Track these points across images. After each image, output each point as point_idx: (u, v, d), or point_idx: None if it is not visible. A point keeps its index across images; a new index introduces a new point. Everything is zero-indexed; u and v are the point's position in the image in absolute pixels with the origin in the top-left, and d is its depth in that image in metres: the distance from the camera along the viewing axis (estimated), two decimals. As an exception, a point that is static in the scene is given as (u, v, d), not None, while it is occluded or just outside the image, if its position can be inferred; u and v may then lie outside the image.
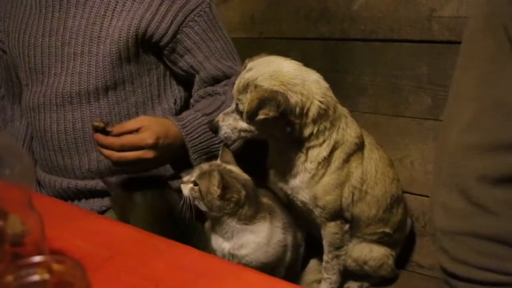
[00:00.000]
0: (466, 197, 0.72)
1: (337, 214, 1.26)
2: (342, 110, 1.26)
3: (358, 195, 1.27)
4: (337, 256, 1.32)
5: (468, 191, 0.71)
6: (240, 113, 1.17)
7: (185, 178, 1.18)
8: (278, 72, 1.15)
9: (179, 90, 1.46)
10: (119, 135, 1.18)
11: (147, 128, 1.19)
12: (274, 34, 1.65)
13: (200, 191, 1.15)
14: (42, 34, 1.37)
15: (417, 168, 1.49)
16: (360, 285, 1.44)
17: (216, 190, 1.14)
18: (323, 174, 1.22)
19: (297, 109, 1.14)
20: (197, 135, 1.27)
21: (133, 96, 1.37)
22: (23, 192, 0.56)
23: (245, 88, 1.15)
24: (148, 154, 1.18)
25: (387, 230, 1.36)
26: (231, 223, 1.18)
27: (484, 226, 0.70)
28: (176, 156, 1.27)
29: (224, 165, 1.21)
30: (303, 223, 1.35)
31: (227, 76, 1.39)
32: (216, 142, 1.29)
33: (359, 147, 1.27)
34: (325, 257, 1.33)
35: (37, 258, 0.49)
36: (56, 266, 0.49)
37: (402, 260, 1.53)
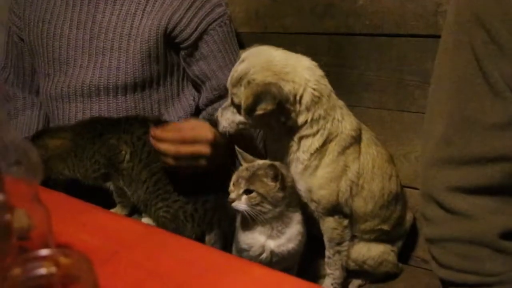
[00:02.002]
0: (441, 206, 0.75)
1: (334, 209, 1.26)
2: (338, 101, 1.25)
3: (355, 189, 1.27)
4: (338, 252, 1.31)
5: (443, 200, 0.75)
6: (236, 106, 1.17)
7: (233, 195, 1.13)
8: (269, 62, 1.15)
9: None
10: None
11: (202, 126, 1.18)
12: (279, 29, 1.65)
13: (259, 194, 1.12)
14: (69, 26, 1.38)
15: (422, 163, 1.48)
16: (363, 281, 1.44)
17: (274, 185, 1.12)
18: (317, 166, 1.21)
19: (291, 97, 1.14)
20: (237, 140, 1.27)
21: (156, 94, 1.41)
22: (29, 186, 0.56)
23: (238, 81, 1.15)
24: (205, 149, 1.15)
25: (385, 227, 1.36)
26: (289, 214, 1.18)
27: (460, 230, 0.73)
28: (220, 163, 1.24)
29: (256, 163, 1.19)
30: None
31: None
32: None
33: (356, 140, 1.26)
34: (327, 253, 1.33)
35: (44, 252, 0.49)
36: (63, 260, 0.49)
37: (406, 255, 1.53)
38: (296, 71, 1.15)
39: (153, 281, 0.72)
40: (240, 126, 1.19)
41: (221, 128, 1.20)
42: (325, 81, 1.20)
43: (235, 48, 1.44)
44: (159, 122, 1.17)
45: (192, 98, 1.48)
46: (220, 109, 1.21)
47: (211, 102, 1.46)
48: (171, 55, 1.41)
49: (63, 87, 1.40)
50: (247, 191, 1.12)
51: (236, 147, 1.23)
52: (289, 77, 1.14)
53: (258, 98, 1.10)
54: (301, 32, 1.62)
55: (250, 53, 1.20)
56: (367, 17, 1.50)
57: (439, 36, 1.37)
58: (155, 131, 1.13)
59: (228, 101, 1.20)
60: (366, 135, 1.30)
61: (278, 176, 1.13)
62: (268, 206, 1.13)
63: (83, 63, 1.38)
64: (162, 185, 1.25)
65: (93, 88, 1.37)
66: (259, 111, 1.11)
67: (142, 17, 1.34)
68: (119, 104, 1.37)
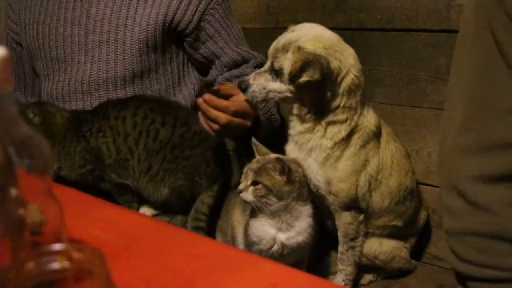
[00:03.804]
0: (462, 197, 0.74)
1: (351, 204, 1.26)
2: (365, 98, 1.26)
3: (373, 184, 1.27)
4: (352, 247, 1.31)
5: (464, 191, 0.74)
6: (274, 72, 1.17)
7: (241, 186, 1.15)
8: (321, 36, 1.17)
9: (197, 77, 1.50)
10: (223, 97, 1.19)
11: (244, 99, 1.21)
12: (290, 24, 1.64)
13: (265, 186, 1.14)
14: (64, 24, 1.39)
15: (434, 159, 1.47)
16: (374, 277, 1.44)
17: (280, 178, 1.14)
18: (338, 158, 1.21)
19: (334, 75, 1.15)
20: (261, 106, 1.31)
21: (157, 84, 1.41)
22: (42, 181, 0.56)
23: (285, 48, 1.16)
24: (248, 122, 1.21)
25: (399, 223, 1.35)
26: (297, 208, 1.18)
27: (480, 223, 0.72)
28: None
29: (267, 156, 1.20)
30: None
31: (245, 60, 1.42)
32: (271, 106, 1.33)
33: (376, 135, 1.26)
34: (340, 248, 1.33)
35: (57, 246, 0.49)
36: (76, 254, 0.49)
37: (419, 252, 1.53)
38: (343, 53, 1.18)
39: (163, 275, 0.73)
40: (270, 94, 1.19)
41: (249, 92, 1.19)
42: (362, 76, 1.22)
43: (235, 22, 1.45)
44: (211, 85, 1.19)
45: (192, 87, 1.48)
46: (253, 74, 1.21)
47: (227, 80, 1.45)
48: (170, 43, 1.41)
49: (63, 86, 1.40)
50: (255, 183, 1.14)
51: (253, 139, 1.24)
52: (337, 55, 1.16)
53: (306, 64, 1.11)
54: (312, 27, 1.62)
55: (302, 25, 1.22)
56: (379, 12, 1.49)
57: (451, 31, 1.38)
58: (211, 97, 1.15)
59: (265, 67, 1.20)
60: (385, 131, 1.31)
61: (284, 170, 1.13)
62: (274, 199, 1.14)
63: (80, 59, 1.38)
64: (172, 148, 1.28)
65: (93, 84, 1.37)
66: (304, 78, 1.12)
67: (137, 6, 1.34)
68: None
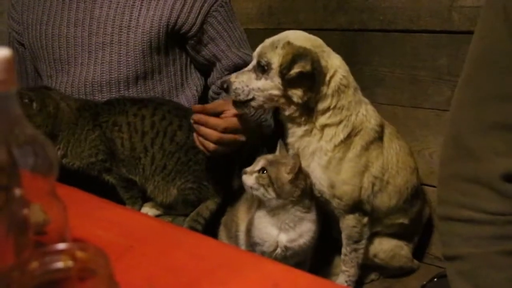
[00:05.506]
0: (456, 144, 0.80)
1: (356, 206, 1.26)
2: (363, 98, 1.26)
3: (379, 185, 1.26)
4: (355, 250, 1.31)
5: (459, 138, 0.80)
6: (260, 69, 1.16)
7: (248, 169, 1.17)
8: (309, 36, 1.20)
9: (199, 78, 1.50)
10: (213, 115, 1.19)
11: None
12: (292, 25, 1.65)
13: (269, 177, 1.15)
14: (67, 25, 1.39)
15: (436, 160, 1.47)
16: (376, 275, 1.45)
17: (287, 176, 1.15)
18: (341, 159, 1.21)
19: (323, 73, 1.15)
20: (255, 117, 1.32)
21: (160, 85, 1.41)
22: (46, 181, 0.56)
23: (273, 45, 1.16)
24: (242, 137, 1.20)
25: (405, 221, 1.36)
26: (296, 212, 1.19)
27: (467, 168, 0.78)
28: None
29: (286, 155, 1.22)
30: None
31: (247, 64, 1.40)
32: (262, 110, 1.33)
33: (379, 135, 1.26)
34: (343, 250, 1.33)
35: (61, 246, 0.50)
36: (79, 254, 0.49)
37: (420, 253, 1.53)
38: (330, 54, 1.19)
39: (166, 275, 0.73)
40: (253, 93, 1.17)
41: (232, 90, 1.18)
42: (351, 76, 1.22)
43: (237, 25, 1.45)
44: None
45: (195, 88, 1.48)
46: (235, 74, 1.21)
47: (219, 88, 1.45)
48: (173, 45, 1.41)
49: (67, 87, 1.40)
50: (262, 170, 1.16)
51: (280, 140, 1.25)
52: (324, 55, 1.17)
53: (297, 57, 1.12)
54: (314, 28, 1.62)
55: (287, 31, 1.22)
56: (381, 13, 1.50)
57: (453, 32, 1.38)
58: (200, 116, 1.16)
59: (249, 67, 1.20)
60: (388, 130, 1.30)
61: (294, 169, 1.14)
62: (272, 193, 1.15)
63: (83, 60, 1.38)
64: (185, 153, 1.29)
65: (96, 85, 1.37)
66: (296, 69, 1.12)
67: (141, 8, 1.34)
68: None
